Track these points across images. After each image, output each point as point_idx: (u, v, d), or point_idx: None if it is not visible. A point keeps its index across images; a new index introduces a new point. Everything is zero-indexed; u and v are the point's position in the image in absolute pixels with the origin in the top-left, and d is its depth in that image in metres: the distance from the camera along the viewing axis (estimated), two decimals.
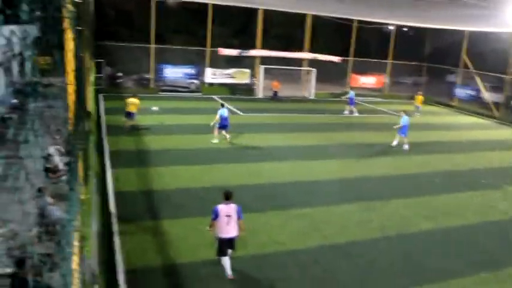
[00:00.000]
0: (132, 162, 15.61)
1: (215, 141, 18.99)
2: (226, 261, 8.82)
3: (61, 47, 6.44)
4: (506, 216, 13.40)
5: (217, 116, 19.05)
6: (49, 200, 8.30)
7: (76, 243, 5.36)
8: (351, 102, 29.45)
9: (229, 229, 8.72)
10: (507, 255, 10.86)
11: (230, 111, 23.68)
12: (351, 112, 29.33)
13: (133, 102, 20.46)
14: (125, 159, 15.88)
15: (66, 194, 6.13)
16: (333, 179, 15.60)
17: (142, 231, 10.65)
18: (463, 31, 35.34)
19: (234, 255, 9.49)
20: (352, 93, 29.66)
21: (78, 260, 5.40)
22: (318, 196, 13.79)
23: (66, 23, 6.77)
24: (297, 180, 15.11)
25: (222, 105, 20.22)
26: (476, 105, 35.16)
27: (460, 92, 36.80)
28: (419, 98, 31.14)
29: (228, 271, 8.78)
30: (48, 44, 4.77)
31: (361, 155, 19.02)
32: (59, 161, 10.92)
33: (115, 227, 10.58)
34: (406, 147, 20.71)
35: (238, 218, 8.84)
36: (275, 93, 33.46)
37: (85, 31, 16.19)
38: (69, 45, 6.83)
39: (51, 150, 11.17)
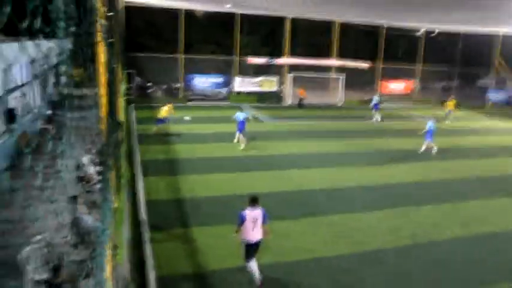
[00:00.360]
0: (162, 171, 15.87)
1: (242, 146, 19.55)
2: (254, 266, 8.82)
3: (94, 59, 6.66)
4: None
5: (236, 121, 19.91)
6: (83, 208, 8.52)
7: (109, 251, 5.50)
8: (375, 107, 29.20)
9: (255, 234, 8.77)
10: None
11: (258, 119, 23.83)
12: (378, 118, 29.00)
13: (169, 109, 21.76)
14: (156, 168, 16.15)
15: (99, 203, 6.30)
16: (362, 185, 15.46)
17: (173, 238, 10.80)
18: (495, 34, 34.57)
19: (262, 262, 9.55)
20: (376, 99, 29.38)
21: (111, 268, 5.54)
22: (347, 203, 13.69)
23: (99, 37, 6.99)
24: (326, 186, 15.05)
25: (240, 109, 21.32)
26: (511, 109, 34.24)
27: (494, 96, 35.94)
28: (452, 102, 30.43)
29: (257, 275, 8.78)
30: (82, 57, 4.95)
31: (391, 161, 18.79)
32: (92, 171, 11.21)
33: (146, 235, 10.76)
34: (434, 149, 20.50)
35: (263, 222, 8.88)
36: (301, 100, 33.42)
37: (116, 43, 16.62)
38: (101, 57, 7.05)
39: (85, 160, 11.49)
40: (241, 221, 8.72)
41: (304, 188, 14.86)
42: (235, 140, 20.17)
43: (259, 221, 8.80)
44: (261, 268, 9.33)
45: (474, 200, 14.59)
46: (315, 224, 11.97)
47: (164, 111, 21.52)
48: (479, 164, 19.43)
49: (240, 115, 20.04)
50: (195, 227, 11.34)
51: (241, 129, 19.92)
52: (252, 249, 8.82)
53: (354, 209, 13.21)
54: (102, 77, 6.95)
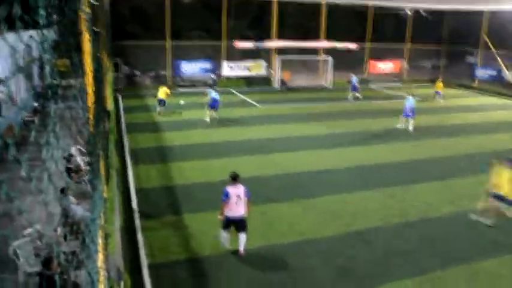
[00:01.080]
0: (152, 159, 15.82)
1: (207, 119, 21.55)
2: (225, 235, 9.47)
3: (79, 49, 6.56)
4: None
5: (208, 97, 21.71)
6: (72, 199, 8.50)
7: (100, 240, 5.50)
8: (354, 88, 29.39)
9: (238, 208, 9.27)
10: None
11: (246, 102, 23.91)
12: (356, 98, 29.20)
13: (164, 90, 23.08)
14: (145, 156, 16.09)
15: (88, 193, 6.27)
16: (352, 166, 15.54)
17: (165, 226, 10.81)
18: (482, 11, 34.58)
19: (254, 245, 9.65)
20: (355, 79, 29.59)
21: (103, 257, 5.54)
22: (337, 184, 13.77)
23: (83, 25, 6.89)
24: (316, 169, 15.11)
25: (211, 87, 23.73)
26: (498, 86, 34.43)
27: (481, 73, 36.08)
28: (440, 84, 30.56)
29: (226, 244, 9.49)
30: (66, 46, 4.88)
31: (380, 141, 18.90)
32: (80, 161, 11.15)
33: (138, 223, 10.77)
34: (410, 127, 20.94)
35: (247, 197, 9.38)
36: (283, 82, 33.16)
37: (101, 32, 16.39)
38: (87, 46, 6.95)
39: (73, 150, 11.42)
40: (226, 197, 9.20)
41: (293, 170, 14.91)
42: (207, 118, 21.62)
43: (243, 197, 9.30)
44: (254, 252, 9.45)
45: (466, 177, 14.75)
46: (304, 207, 12.04)
47: (163, 92, 22.95)
48: (467, 141, 19.59)
49: (212, 93, 21.70)
50: (186, 213, 11.36)
51: (214, 106, 21.57)
52: (230, 222, 9.37)
53: (343, 190, 13.29)
54: (88, 66, 6.87)
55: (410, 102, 21.08)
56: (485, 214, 11.50)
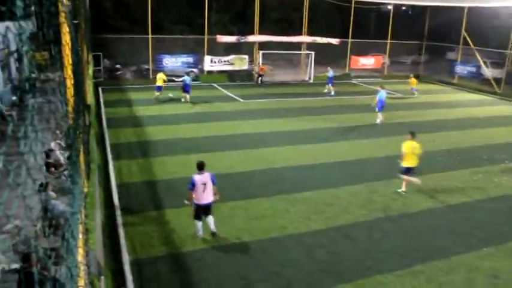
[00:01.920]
0: (133, 154, 15.68)
1: (183, 99, 24.69)
2: (199, 225, 9.82)
3: (58, 41, 6.44)
4: (508, 192, 13.43)
5: (182, 83, 24.66)
6: (52, 194, 8.38)
7: (80, 236, 5.43)
8: (329, 81, 29.66)
9: (205, 196, 9.64)
10: (509, 230, 10.94)
11: (228, 97, 23.93)
12: (332, 92, 29.49)
13: (161, 77, 24.98)
14: (127, 151, 15.94)
15: (68, 188, 6.18)
16: (334, 161, 15.65)
17: (147, 221, 10.74)
18: (462, 8, 35.03)
19: (238, 240, 9.68)
20: (331, 73, 29.87)
21: (83, 253, 5.47)
22: (320, 179, 13.85)
23: (62, 17, 6.76)
24: (299, 164, 15.17)
25: (187, 74, 25.66)
26: (478, 82, 34.96)
27: (461, 69, 36.56)
28: (413, 80, 30.69)
29: (200, 232, 9.84)
30: (45, 38, 4.77)
31: (362, 136, 19.04)
32: (60, 156, 10.99)
33: (119, 219, 10.68)
34: (378, 121, 21.53)
35: (213, 184, 9.75)
36: (259, 76, 33.15)
37: (81, 24, 16.14)
38: (66, 39, 6.83)
39: (52, 145, 11.24)
40: (192, 185, 9.57)
41: (276, 165, 14.94)
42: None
43: (209, 184, 9.65)
44: (237, 247, 9.48)
45: (444, 172, 14.97)
46: (287, 201, 12.08)
47: (160, 79, 24.77)
48: (449, 135, 19.86)
49: (186, 79, 24.53)
50: (168, 208, 11.30)
51: (186, 90, 24.44)
52: (200, 210, 9.74)
53: (326, 185, 13.38)
54: (67, 59, 6.75)
55: (381, 95, 21.65)
56: (402, 185, 13.04)
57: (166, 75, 27.17)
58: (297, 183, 13.40)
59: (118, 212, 11.05)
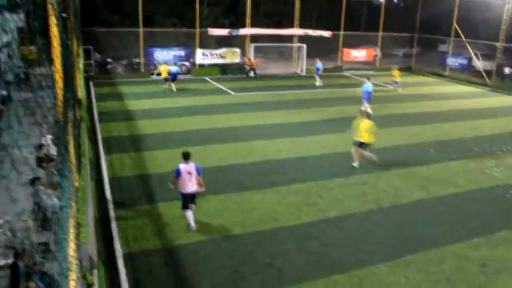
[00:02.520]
0: (125, 147, 15.64)
1: (173, 89, 26.25)
2: (189, 214, 9.96)
3: (45, 34, 6.37)
4: (498, 182, 13.55)
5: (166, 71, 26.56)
6: (42, 189, 8.33)
7: (72, 230, 5.41)
8: (317, 73, 29.95)
9: (190, 185, 9.83)
10: (499, 220, 11.03)
11: (220, 90, 23.90)
12: (320, 83, 29.79)
13: (165, 69, 26.52)
14: (119, 145, 15.89)
15: (58, 182, 6.16)
16: (325, 153, 15.69)
17: (139, 215, 10.73)
18: (453, 0, 35.10)
19: (230, 233, 9.71)
20: (318, 65, 30.03)
21: (75, 247, 5.46)
22: (311, 171, 13.88)
23: (50, 9, 6.69)
24: (290, 156, 15.20)
25: (175, 64, 28.12)
26: (469, 74, 35.12)
27: (452, 61, 36.69)
28: (396, 73, 29.38)
29: (192, 223, 9.93)
30: (32, 31, 4.73)
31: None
32: (52, 151, 10.92)
33: (112, 213, 10.66)
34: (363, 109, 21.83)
35: (198, 174, 9.92)
36: (250, 70, 33.04)
37: (70, 17, 16.00)
38: (54, 31, 6.76)
39: (44, 140, 11.16)
40: (177, 174, 9.77)
41: (268, 158, 14.97)
42: (167, 86, 26.31)
43: (194, 174, 9.83)
44: (229, 240, 9.51)
45: (435, 163, 15.06)
46: (280, 193, 12.12)
47: (164, 71, 26.51)
48: (440, 127, 19.96)
49: (173, 68, 26.62)
50: (161, 202, 11.28)
51: (174, 79, 26.40)
52: (187, 199, 9.91)
53: (318, 177, 13.41)
54: (56, 52, 6.69)
55: (367, 87, 22.12)
56: (355, 159, 14.26)
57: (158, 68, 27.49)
58: (289, 176, 13.43)
59: (110, 206, 11.03)
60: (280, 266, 8.70)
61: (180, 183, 9.84)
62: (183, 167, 9.79)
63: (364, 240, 9.84)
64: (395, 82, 29.42)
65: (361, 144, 14.14)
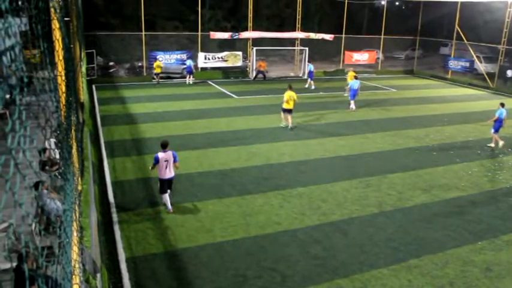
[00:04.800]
0: (128, 151, 15.63)
1: (191, 81, 29.89)
2: (166, 197, 10.94)
3: (48, 37, 6.38)
4: (502, 186, 13.51)
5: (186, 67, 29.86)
6: (46, 192, 8.34)
7: (75, 233, 5.40)
8: (310, 75, 29.98)
9: (167, 172, 10.80)
10: (503, 223, 11.00)
11: (223, 94, 23.94)
12: (310, 86, 29.76)
13: (158, 65, 29.10)
14: (121, 149, 15.89)
15: (60, 185, 6.15)
16: (328, 157, 15.67)
17: (142, 218, 10.72)
18: (455, 2, 35.10)
19: (234, 237, 9.69)
20: (311, 67, 30.13)
21: (78, 250, 5.45)
22: (313, 175, 13.86)
23: (53, 13, 6.71)
24: (293, 159, 15.18)
25: (188, 58, 31.04)
26: (471, 77, 35.09)
27: (454, 64, 36.67)
28: (352, 74, 26.02)
29: (169, 206, 10.90)
30: (35, 35, 4.73)
31: (355, 132, 19.06)
32: (56, 155, 10.94)
33: (114, 216, 10.65)
34: (351, 107, 23.18)
35: (175, 161, 10.88)
36: (259, 73, 32.94)
37: (73, 21, 16.04)
38: (57, 35, 6.78)
39: (47, 144, 11.18)
40: (156, 161, 10.73)
41: (272, 162, 14.95)
42: (188, 81, 29.60)
43: (171, 162, 10.79)
44: (232, 243, 9.51)
45: (438, 166, 15.03)
46: (282, 197, 12.10)
47: (157, 67, 29.01)
48: (443, 130, 19.93)
49: (187, 62, 29.87)
50: (163, 205, 11.26)
51: (189, 71, 29.58)
52: (165, 184, 10.87)
53: (321, 181, 13.40)
54: (58, 55, 6.71)
55: (353, 84, 22.87)
56: (283, 121, 19.11)
57: (162, 71, 27.92)
58: (292, 179, 13.42)
59: (113, 210, 11.03)
60: (283, 270, 8.68)
61: (158, 170, 10.78)
62: (161, 155, 10.67)
63: (367, 244, 9.81)
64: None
65: (288, 110, 18.92)
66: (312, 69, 30.18)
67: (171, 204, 10.98)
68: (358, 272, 8.69)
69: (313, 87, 29.78)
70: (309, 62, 31.72)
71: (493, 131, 17.27)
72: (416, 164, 15.16)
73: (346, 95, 22.55)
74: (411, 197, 12.41)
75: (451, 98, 29.02)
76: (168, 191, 11.01)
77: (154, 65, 29.40)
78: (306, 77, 33.61)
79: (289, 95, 18.72)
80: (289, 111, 18.87)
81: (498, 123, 17.20)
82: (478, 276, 8.67)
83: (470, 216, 11.34)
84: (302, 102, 25.41)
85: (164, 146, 10.84)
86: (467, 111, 24.53)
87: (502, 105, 17.49)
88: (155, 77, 29.49)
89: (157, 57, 31.06)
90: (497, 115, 17.24)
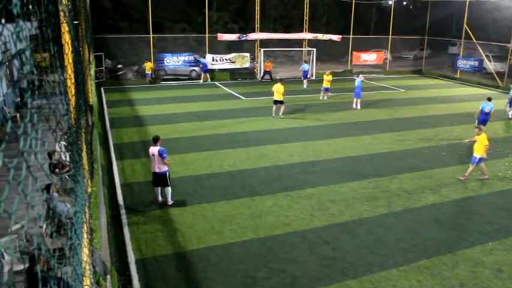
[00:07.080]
0: (137, 153, 15.71)
1: (205, 80, 31.51)
2: (157, 190, 11.54)
3: (58, 41, 6.45)
4: None
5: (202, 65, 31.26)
6: (56, 195, 8.40)
7: (85, 235, 5.45)
8: (304, 75, 30.49)
9: (154, 166, 11.27)
10: None
11: (231, 95, 23.94)
12: (305, 85, 30.23)
13: (149, 65, 30.26)
14: (130, 151, 15.98)
15: (71, 188, 6.20)
16: (337, 157, 15.63)
17: (151, 220, 10.77)
18: (463, 1, 34.88)
19: (243, 238, 9.71)
20: (304, 67, 30.77)
21: (88, 252, 5.49)
22: (323, 176, 13.84)
23: (62, 17, 6.78)
24: (302, 160, 15.17)
25: (203, 57, 31.85)
26: (480, 76, 34.82)
27: (463, 63, 36.42)
28: (329, 77, 25.74)
29: (158, 197, 11.55)
30: (44, 38, 4.78)
31: (364, 132, 19.01)
32: (65, 158, 11.02)
33: (124, 218, 10.71)
34: (354, 106, 23.87)
35: (161, 157, 11.11)
36: (266, 73, 32.86)
37: (82, 24, 16.17)
38: (66, 38, 6.84)
39: (57, 147, 11.27)
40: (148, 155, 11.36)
41: (280, 163, 14.94)
42: (202, 80, 31.28)
43: (157, 156, 11.10)
44: (241, 245, 9.52)
45: (448, 166, 14.95)
46: (291, 198, 12.09)
47: (148, 67, 30.33)
48: (452, 130, 19.80)
49: (203, 60, 31.08)
50: (172, 207, 11.32)
51: (205, 70, 31.08)
52: (154, 177, 11.41)
53: (329, 182, 13.37)
54: (68, 58, 6.77)
55: (358, 83, 23.53)
56: (274, 113, 21.11)
57: (167, 75, 27.98)
58: (300, 180, 13.41)
59: (122, 211, 11.09)
60: (292, 271, 8.68)
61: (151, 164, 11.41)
62: (150, 149, 11.29)
63: (376, 244, 9.78)
64: (325, 89, 26.02)
65: (276, 102, 21.15)
66: (305, 69, 30.69)
67: (162, 196, 11.59)
68: (368, 273, 8.66)
69: (304, 86, 30.28)
70: (305, 61, 32.22)
71: (476, 122, 18.01)
72: (425, 164, 15.08)
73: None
74: (420, 198, 12.35)
75: (459, 97, 28.82)
76: (167, 188, 11.45)
77: (145, 66, 30.64)
78: (313, 77, 33.64)
79: (275, 87, 21.07)
80: (275, 102, 21.21)
81: (481, 116, 18.42)
82: (489, 277, 8.61)
83: (480, 217, 11.26)
84: (310, 103, 25.42)
85: (155, 141, 11.29)
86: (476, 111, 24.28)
87: (489, 99, 18.73)
88: (147, 77, 30.59)
89: (166, 61, 31.42)
90: (480, 107, 18.61)
